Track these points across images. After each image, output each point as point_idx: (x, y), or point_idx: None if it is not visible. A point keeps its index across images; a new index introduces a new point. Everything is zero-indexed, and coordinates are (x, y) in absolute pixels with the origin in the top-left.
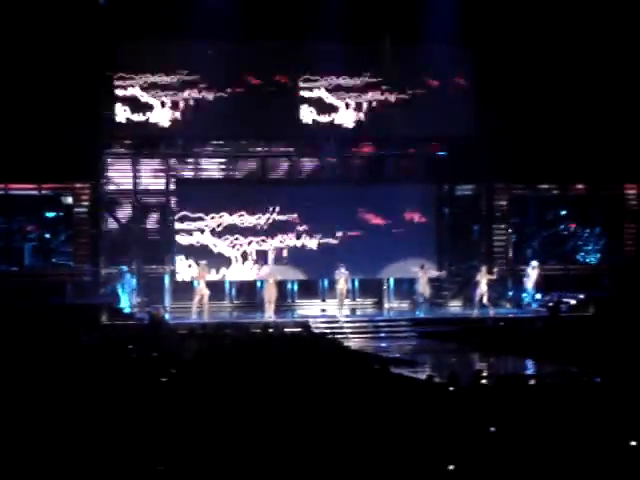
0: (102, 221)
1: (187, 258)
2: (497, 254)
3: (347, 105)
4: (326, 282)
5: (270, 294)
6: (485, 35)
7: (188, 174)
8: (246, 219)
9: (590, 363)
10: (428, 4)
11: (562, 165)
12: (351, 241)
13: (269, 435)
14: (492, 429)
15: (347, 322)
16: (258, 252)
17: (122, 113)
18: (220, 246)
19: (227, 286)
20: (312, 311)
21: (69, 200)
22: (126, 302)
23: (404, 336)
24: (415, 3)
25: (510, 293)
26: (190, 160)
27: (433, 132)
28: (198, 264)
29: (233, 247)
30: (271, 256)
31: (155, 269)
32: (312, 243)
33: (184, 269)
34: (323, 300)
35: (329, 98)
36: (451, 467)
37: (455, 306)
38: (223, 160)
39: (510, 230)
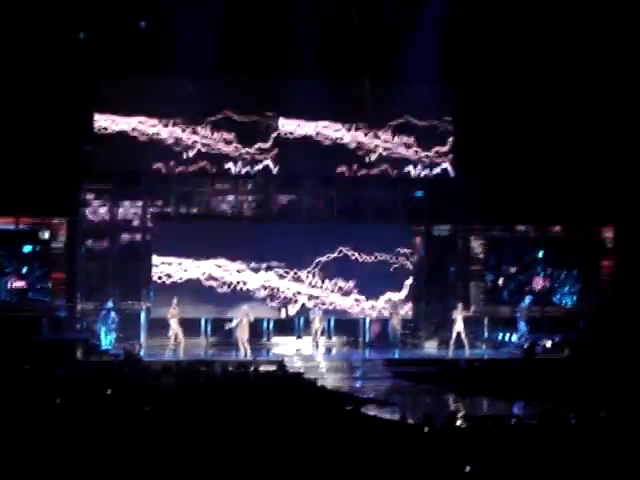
0: (78, 256)
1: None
2: (473, 295)
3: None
4: (302, 320)
5: (243, 333)
6: (464, 76)
7: (166, 210)
8: (227, 266)
9: (564, 404)
10: (409, 44)
11: (539, 207)
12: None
13: (239, 473)
14: (467, 469)
15: (322, 361)
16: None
17: (101, 149)
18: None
19: (202, 323)
20: (287, 349)
21: (46, 235)
22: (108, 339)
23: (379, 376)
24: (396, 43)
25: (485, 334)
26: (170, 197)
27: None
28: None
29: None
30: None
31: (131, 305)
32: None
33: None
34: (299, 337)
35: (308, 137)
36: None
37: (430, 347)
38: (202, 197)
39: (486, 271)
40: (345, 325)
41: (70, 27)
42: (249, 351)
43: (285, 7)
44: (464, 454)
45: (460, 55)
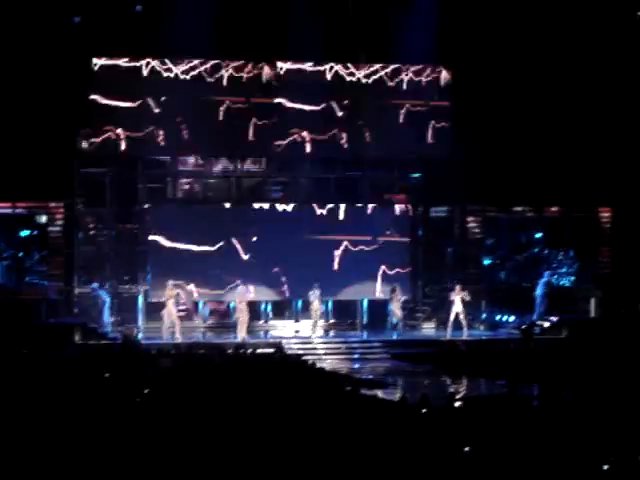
0: (76, 240)
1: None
2: (471, 276)
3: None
4: (300, 303)
5: (242, 316)
6: (462, 57)
7: (163, 193)
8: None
9: (562, 384)
10: (405, 24)
11: (536, 188)
12: (325, 261)
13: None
14: (466, 449)
15: (320, 343)
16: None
17: (98, 132)
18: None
19: (200, 306)
20: (285, 332)
21: (43, 219)
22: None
23: (377, 357)
24: (392, 24)
25: (484, 315)
26: (167, 179)
27: (408, 154)
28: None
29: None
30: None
31: (128, 289)
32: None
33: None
34: (296, 321)
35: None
36: None
37: (428, 328)
38: (198, 180)
39: (484, 252)
40: (344, 307)
41: (65, 10)
42: (244, 333)
43: None
44: (462, 435)
45: (458, 36)
